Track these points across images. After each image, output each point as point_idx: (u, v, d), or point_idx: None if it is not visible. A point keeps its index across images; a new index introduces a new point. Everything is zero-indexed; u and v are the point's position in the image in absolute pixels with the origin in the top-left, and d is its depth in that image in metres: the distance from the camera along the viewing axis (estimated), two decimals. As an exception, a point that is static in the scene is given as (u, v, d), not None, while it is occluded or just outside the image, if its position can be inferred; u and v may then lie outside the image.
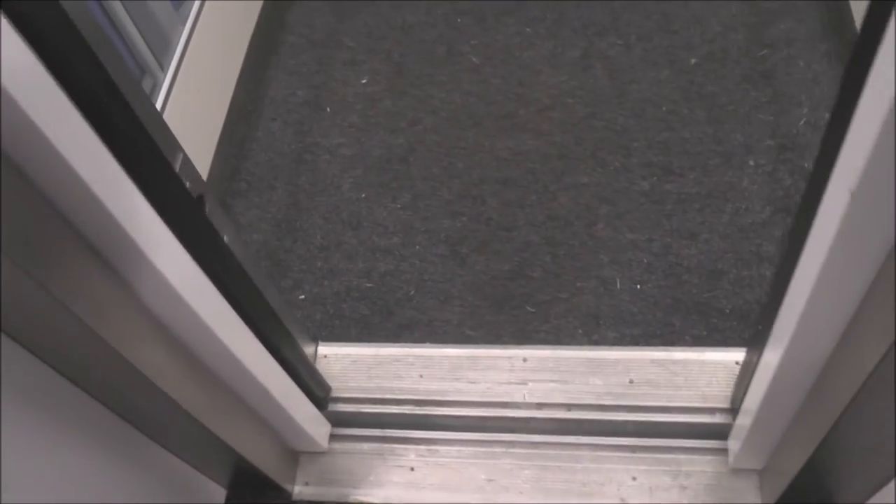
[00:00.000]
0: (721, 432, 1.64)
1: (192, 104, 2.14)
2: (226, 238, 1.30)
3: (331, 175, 2.25)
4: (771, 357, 1.25)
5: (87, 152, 0.89)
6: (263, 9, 2.63)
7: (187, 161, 1.16)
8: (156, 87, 2.06)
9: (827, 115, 2.10)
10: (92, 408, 1.17)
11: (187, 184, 1.15)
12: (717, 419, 1.64)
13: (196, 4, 2.22)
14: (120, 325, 1.04)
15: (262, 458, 1.57)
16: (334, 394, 1.76)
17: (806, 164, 2.05)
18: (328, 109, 2.42)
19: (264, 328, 1.40)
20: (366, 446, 1.76)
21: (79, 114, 0.87)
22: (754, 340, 1.39)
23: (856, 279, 0.96)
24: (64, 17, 0.83)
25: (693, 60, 2.33)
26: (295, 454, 1.76)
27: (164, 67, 2.09)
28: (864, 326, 1.00)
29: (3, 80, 0.74)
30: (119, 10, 2.01)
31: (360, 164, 2.26)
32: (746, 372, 1.47)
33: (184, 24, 2.16)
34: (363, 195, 2.20)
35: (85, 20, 0.86)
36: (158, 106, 1.96)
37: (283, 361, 1.49)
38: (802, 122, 2.13)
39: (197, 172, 1.19)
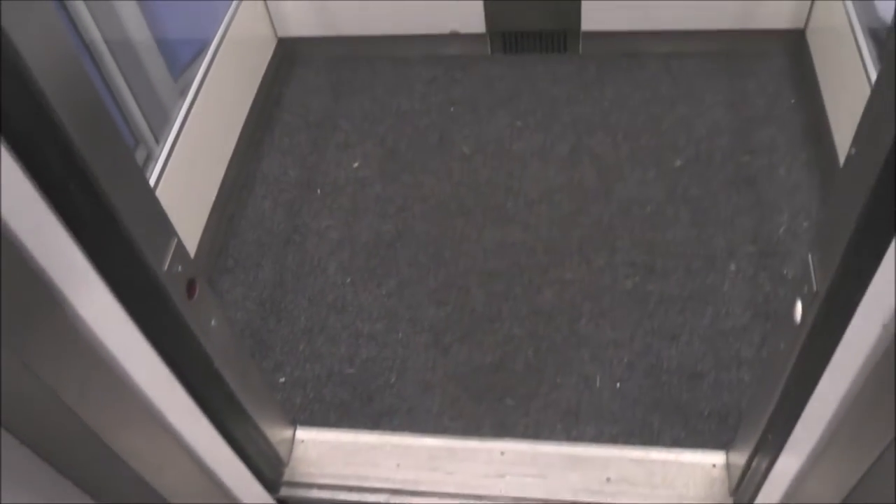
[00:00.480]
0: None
1: (186, 178, 2.16)
2: (213, 322, 1.31)
3: (318, 257, 2.27)
4: (789, 464, 1.28)
5: (54, 247, 0.90)
6: (262, 86, 2.68)
7: (180, 246, 1.18)
8: (150, 159, 2.09)
9: (806, 224, 2.16)
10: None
11: (179, 268, 1.17)
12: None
13: (197, 79, 2.26)
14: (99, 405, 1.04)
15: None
16: (310, 479, 1.75)
17: (785, 272, 2.09)
18: (319, 191, 2.45)
19: (217, 410, 1.39)
20: (340, 535, 1.75)
21: (46, 205, 0.89)
22: (763, 446, 1.42)
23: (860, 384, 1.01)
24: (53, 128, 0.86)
25: (678, 162, 2.38)
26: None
27: (159, 140, 2.12)
28: (864, 424, 1.04)
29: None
30: (119, 81, 2.05)
31: (348, 248, 2.28)
32: (753, 475, 1.49)
33: (183, 98, 2.21)
34: (349, 279, 2.21)
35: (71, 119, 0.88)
36: (153, 179, 1.98)
37: (234, 442, 1.48)
38: (783, 229, 2.18)
39: (188, 256, 1.21)
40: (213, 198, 2.34)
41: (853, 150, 0.91)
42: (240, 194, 2.46)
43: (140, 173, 1.09)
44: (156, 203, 1.13)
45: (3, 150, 0.80)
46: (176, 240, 1.16)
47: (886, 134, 0.82)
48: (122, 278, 1.04)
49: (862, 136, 0.90)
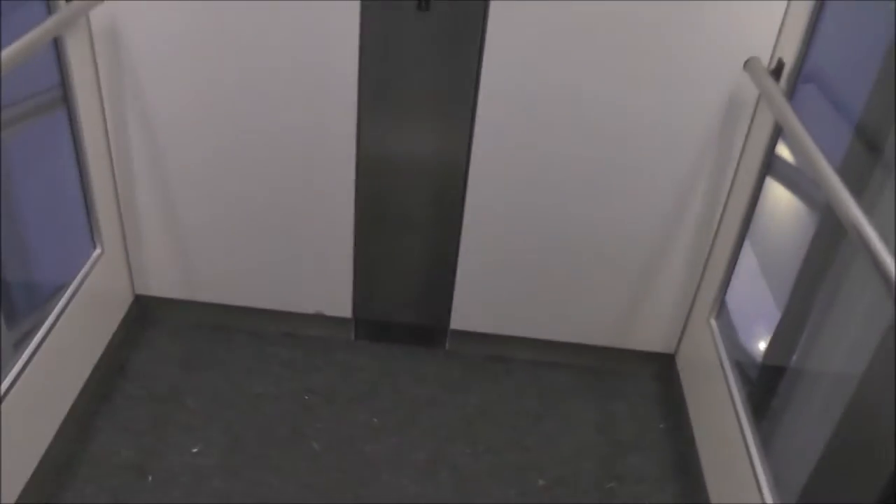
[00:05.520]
0: None
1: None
2: None
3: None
4: None
5: None
6: (108, 347, 2.47)
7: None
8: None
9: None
10: None
11: None
12: None
13: (39, 335, 2.05)
14: None
15: None
16: None
17: None
18: (150, 478, 2.21)
19: None
20: None
21: None
22: None
23: None
24: None
25: (541, 482, 2.25)
26: None
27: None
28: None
29: None
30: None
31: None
32: None
33: (18, 354, 1.97)
34: None
35: None
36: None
37: None
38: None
39: None
40: (27, 479, 2.05)
41: None
42: (59, 475, 2.18)
43: None
44: None
45: None
46: None
47: None
48: None
49: None
